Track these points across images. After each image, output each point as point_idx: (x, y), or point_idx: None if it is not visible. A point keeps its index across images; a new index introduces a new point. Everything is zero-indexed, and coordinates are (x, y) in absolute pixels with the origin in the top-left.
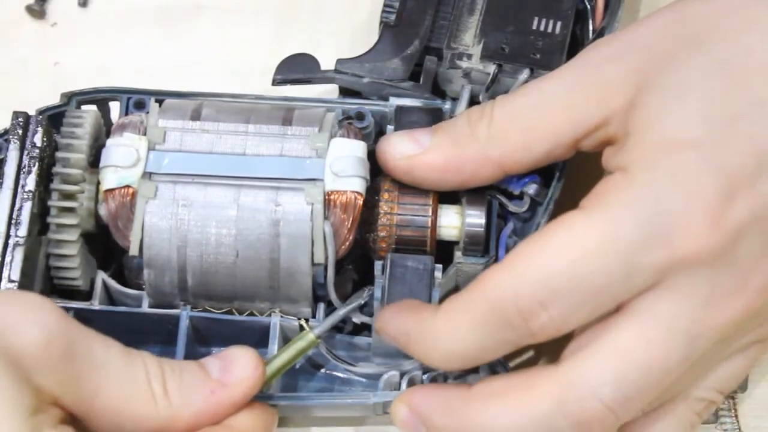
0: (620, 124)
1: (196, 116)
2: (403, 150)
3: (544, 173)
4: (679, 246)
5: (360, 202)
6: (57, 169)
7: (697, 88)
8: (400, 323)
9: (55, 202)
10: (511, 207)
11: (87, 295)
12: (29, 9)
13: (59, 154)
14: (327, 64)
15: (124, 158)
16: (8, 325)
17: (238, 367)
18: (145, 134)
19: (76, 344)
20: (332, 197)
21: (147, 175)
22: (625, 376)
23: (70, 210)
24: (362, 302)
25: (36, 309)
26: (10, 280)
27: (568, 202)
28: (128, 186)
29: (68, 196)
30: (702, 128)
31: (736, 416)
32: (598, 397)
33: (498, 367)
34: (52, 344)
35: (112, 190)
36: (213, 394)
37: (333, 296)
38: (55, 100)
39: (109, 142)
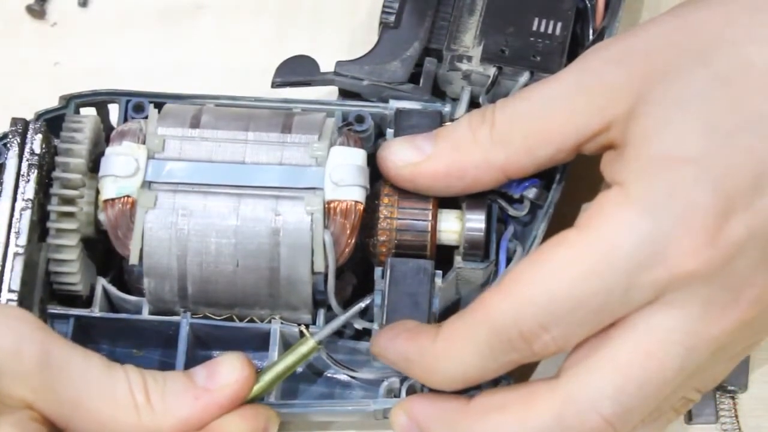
0: (620, 130)
1: (195, 123)
2: (405, 158)
3: (544, 176)
4: (676, 263)
5: (360, 210)
6: (57, 173)
7: (696, 103)
8: (399, 348)
9: (54, 206)
10: (512, 211)
11: (87, 301)
12: (29, 9)
13: (59, 159)
14: (326, 65)
15: (123, 167)
16: None
17: (223, 372)
18: (144, 142)
19: (52, 355)
20: (332, 206)
21: (146, 184)
22: (623, 389)
23: (70, 215)
24: (363, 306)
25: (10, 319)
26: (11, 290)
27: (568, 205)
28: (128, 196)
29: (68, 200)
30: (700, 144)
31: (736, 416)
32: (598, 411)
33: (501, 379)
34: (24, 353)
35: (111, 199)
36: (197, 400)
37: (334, 304)
38: (54, 100)
39: (108, 150)
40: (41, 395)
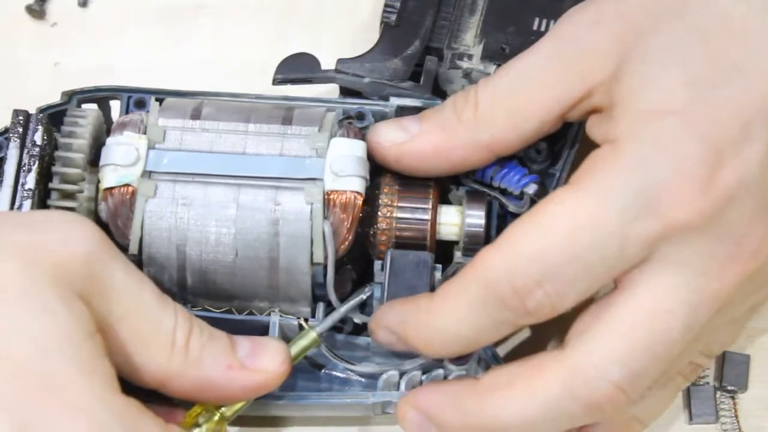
0: (605, 94)
1: (196, 115)
2: (392, 137)
3: (544, 175)
4: (669, 214)
5: (359, 201)
6: (56, 168)
7: (677, 56)
8: (396, 312)
9: (54, 201)
10: (511, 207)
11: None
12: (29, 9)
13: (59, 154)
14: (327, 64)
15: (123, 157)
16: (55, 242)
17: (265, 357)
18: (145, 133)
19: (114, 268)
20: (332, 197)
21: (147, 173)
22: (631, 354)
23: (70, 209)
24: (364, 297)
25: (84, 226)
26: None
27: None
28: (128, 185)
29: (68, 195)
30: (685, 96)
31: (736, 416)
32: (607, 378)
33: (491, 362)
34: (93, 257)
35: (111, 188)
36: (229, 369)
37: (332, 296)
38: (54, 100)
39: (109, 140)
40: (96, 302)
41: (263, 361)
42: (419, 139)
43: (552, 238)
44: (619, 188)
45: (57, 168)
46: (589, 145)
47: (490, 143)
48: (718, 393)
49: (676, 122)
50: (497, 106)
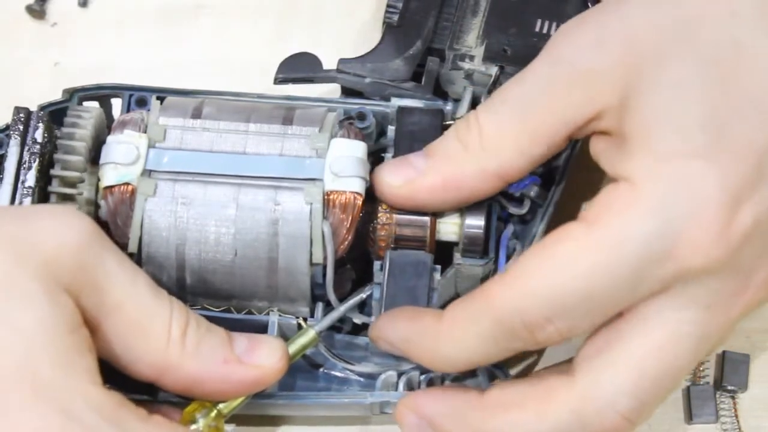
0: (614, 119)
1: (197, 114)
2: (401, 176)
3: (544, 176)
4: (686, 259)
5: (359, 202)
6: (55, 171)
7: (690, 90)
8: (400, 329)
9: (55, 188)
10: (512, 209)
11: None
12: (29, 9)
13: (58, 156)
14: (327, 64)
15: (124, 155)
16: (45, 234)
17: (262, 353)
18: (145, 131)
19: (106, 260)
20: (332, 197)
21: (147, 172)
22: (639, 385)
23: (71, 198)
24: (363, 297)
25: (74, 218)
26: None
27: (568, 204)
28: (128, 183)
29: (66, 197)
30: (703, 137)
31: (736, 416)
32: (616, 409)
33: (497, 372)
34: (84, 248)
35: (111, 187)
36: (225, 364)
37: (331, 296)
38: (54, 100)
39: (110, 139)
40: (89, 290)
41: (260, 357)
42: (429, 173)
43: (565, 278)
44: (635, 231)
45: (55, 171)
46: (587, 158)
47: (499, 171)
48: (718, 393)
49: (695, 166)
50: (503, 133)
